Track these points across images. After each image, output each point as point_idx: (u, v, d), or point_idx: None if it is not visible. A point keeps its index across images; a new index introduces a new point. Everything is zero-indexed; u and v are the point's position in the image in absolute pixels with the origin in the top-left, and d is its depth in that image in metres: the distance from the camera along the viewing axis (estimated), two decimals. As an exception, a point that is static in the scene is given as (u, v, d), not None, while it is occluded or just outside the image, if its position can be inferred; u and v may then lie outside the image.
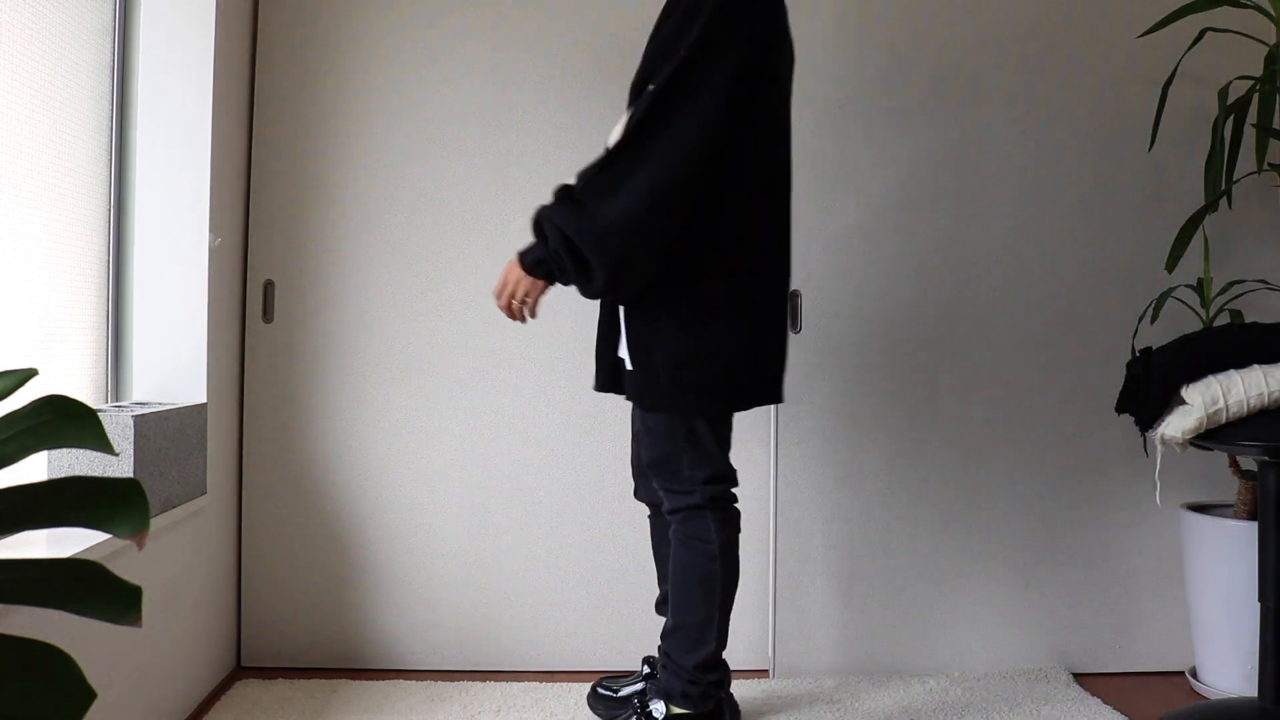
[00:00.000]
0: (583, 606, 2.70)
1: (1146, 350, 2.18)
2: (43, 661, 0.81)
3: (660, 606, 2.30)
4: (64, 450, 1.90)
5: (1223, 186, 2.53)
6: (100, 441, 0.92)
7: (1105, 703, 2.48)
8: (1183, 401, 2.10)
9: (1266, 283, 2.70)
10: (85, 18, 2.19)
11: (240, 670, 2.66)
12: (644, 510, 2.41)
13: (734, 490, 2.11)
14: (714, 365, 1.94)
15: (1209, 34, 2.65)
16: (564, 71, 2.72)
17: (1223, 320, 2.66)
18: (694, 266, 1.91)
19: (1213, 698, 2.52)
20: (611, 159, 1.85)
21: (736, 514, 2.09)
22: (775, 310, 2.02)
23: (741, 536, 2.73)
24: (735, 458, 2.74)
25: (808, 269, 2.70)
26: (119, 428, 1.95)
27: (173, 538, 2.21)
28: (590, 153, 2.06)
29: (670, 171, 1.80)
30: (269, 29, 2.70)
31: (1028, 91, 2.74)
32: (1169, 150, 2.75)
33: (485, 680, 2.59)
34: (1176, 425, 2.09)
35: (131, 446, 1.94)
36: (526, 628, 2.68)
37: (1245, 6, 2.55)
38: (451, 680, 2.59)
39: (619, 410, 2.62)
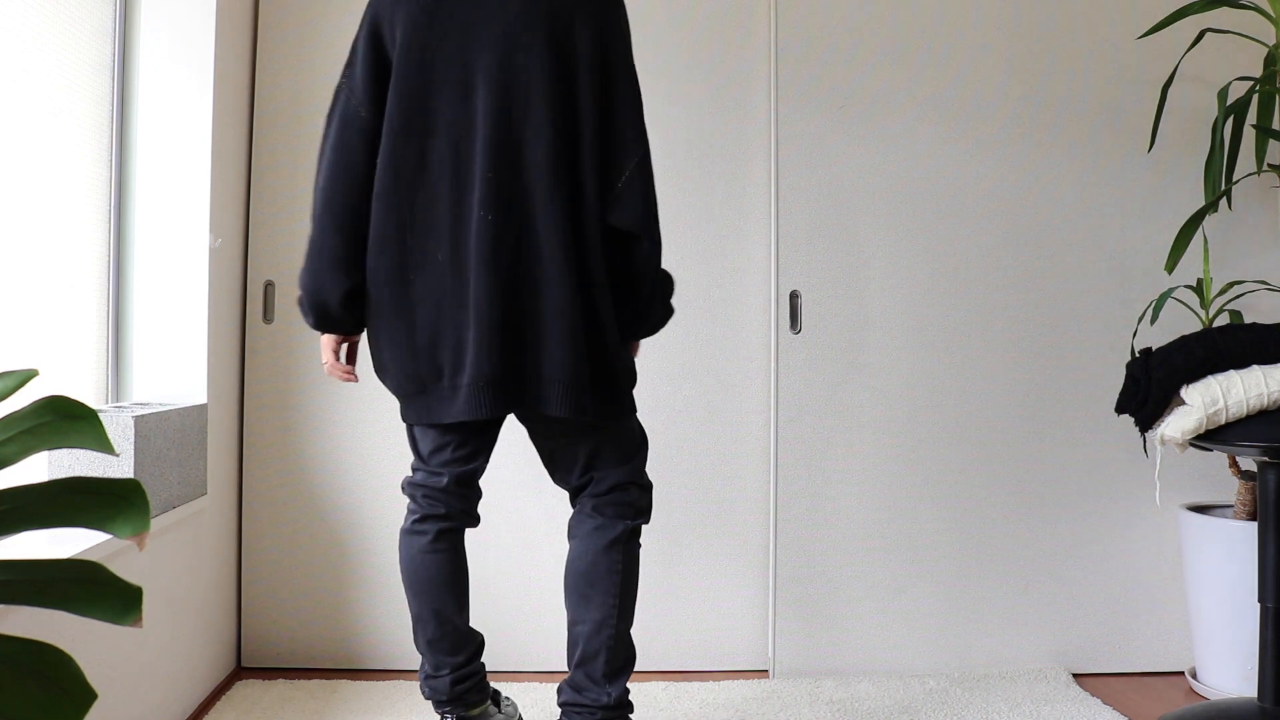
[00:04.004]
0: (583, 606, 2.70)
1: (1146, 351, 2.18)
2: (43, 661, 0.81)
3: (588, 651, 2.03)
4: (64, 450, 1.90)
5: (1222, 187, 2.53)
6: (100, 442, 0.92)
7: (1105, 703, 2.48)
8: (1182, 402, 2.10)
9: (1266, 283, 2.70)
10: (85, 18, 2.19)
11: (240, 670, 2.66)
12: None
13: None
14: None
15: (1208, 35, 2.65)
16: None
17: (1222, 320, 2.67)
18: None
19: (1212, 698, 2.53)
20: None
21: None
22: None
23: (742, 537, 2.74)
24: (734, 458, 2.75)
25: (808, 269, 2.71)
26: (119, 428, 1.95)
27: (173, 538, 2.21)
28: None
29: None
30: (269, 29, 2.70)
31: (1028, 92, 2.75)
32: (1169, 150, 2.75)
33: (485, 680, 2.59)
34: (1176, 426, 2.09)
35: (132, 447, 1.94)
36: (526, 628, 2.68)
37: (1245, 7, 2.55)
38: (451, 680, 2.59)
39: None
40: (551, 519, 2.68)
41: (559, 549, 2.68)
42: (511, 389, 1.87)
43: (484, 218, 1.85)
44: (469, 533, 2.49)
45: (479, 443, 2.01)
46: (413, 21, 1.88)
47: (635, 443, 2.04)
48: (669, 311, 2.05)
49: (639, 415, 2.09)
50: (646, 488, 2.05)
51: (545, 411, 1.87)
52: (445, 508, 2.01)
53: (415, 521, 2.02)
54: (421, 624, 2.01)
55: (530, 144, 1.86)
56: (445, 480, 1.99)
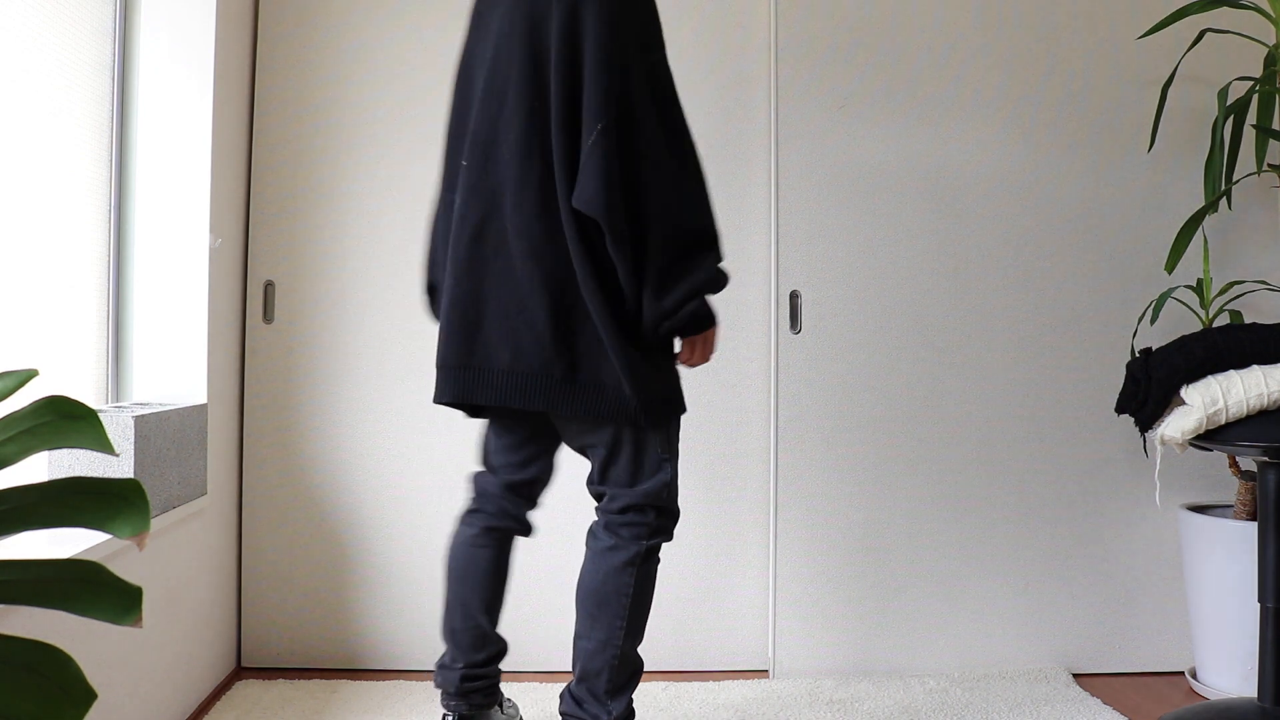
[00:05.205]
0: (583, 606, 2.70)
1: (1146, 351, 2.18)
2: (43, 661, 0.81)
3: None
4: (64, 450, 1.90)
5: (1222, 187, 2.53)
6: (100, 442, 0.92)
7: (1105, 703, 2.48)
8: (1182, 402, 2.10)
9: (1266, 283, 2.70)
10: (85, 18, 2.19)
11: (240, 670, 2.66)
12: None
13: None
14: None
15: (1208, 35, 2.65)
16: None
17: (1223, 320, 2.67)
18: None
19: (1212, 698, 2.53)
20: None
21: None
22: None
23: (742, 537, 2.74)
24: (734, 457, 2.75)
25: (808, 269, 2.71)
26: (119, 428, 1.95)
27: (173, 538, 2.21)
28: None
29: None
30: (269, 29, 2.70)
31: (1027, 91, 2.75)
32: (1169, 150, 2.75)
33: (485, 680, 2.59)
34: (1176, 426, 2.09)
35: (132, 447, 1.94)
36: (526, 628, 2.68)
37: (1244, 7, 2.55)
38: (451, 680, 2.59)
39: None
40: (552, 519, 2.68)
41: (559, 549, 2.68)
42: (472, 376, 1.88)
43: (459, 208, 1.91)
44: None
45: (533, 449, 2.02)
46: (466, 31, 2.03)
47: (651, 463, 1.91)
48: (677, 315, 1.80)
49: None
50: (667, 513, 1.94)
51: (510, 404, 1.86)
52: (494, 507, 2.04)
53: (467, 512, 2.07)
54: (448, 612, 2.04)
55: (503, 133, 1.87)
56: (497, 484, 2.04)
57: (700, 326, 1.86)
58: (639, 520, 1.92)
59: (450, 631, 2.03)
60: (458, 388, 1.90)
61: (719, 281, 1.83)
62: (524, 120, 1.84)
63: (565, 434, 1.98)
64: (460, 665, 2.02)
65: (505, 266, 1.85)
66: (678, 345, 1.94)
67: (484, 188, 1.88)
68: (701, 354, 1.92)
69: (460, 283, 1.89)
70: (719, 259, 1.83)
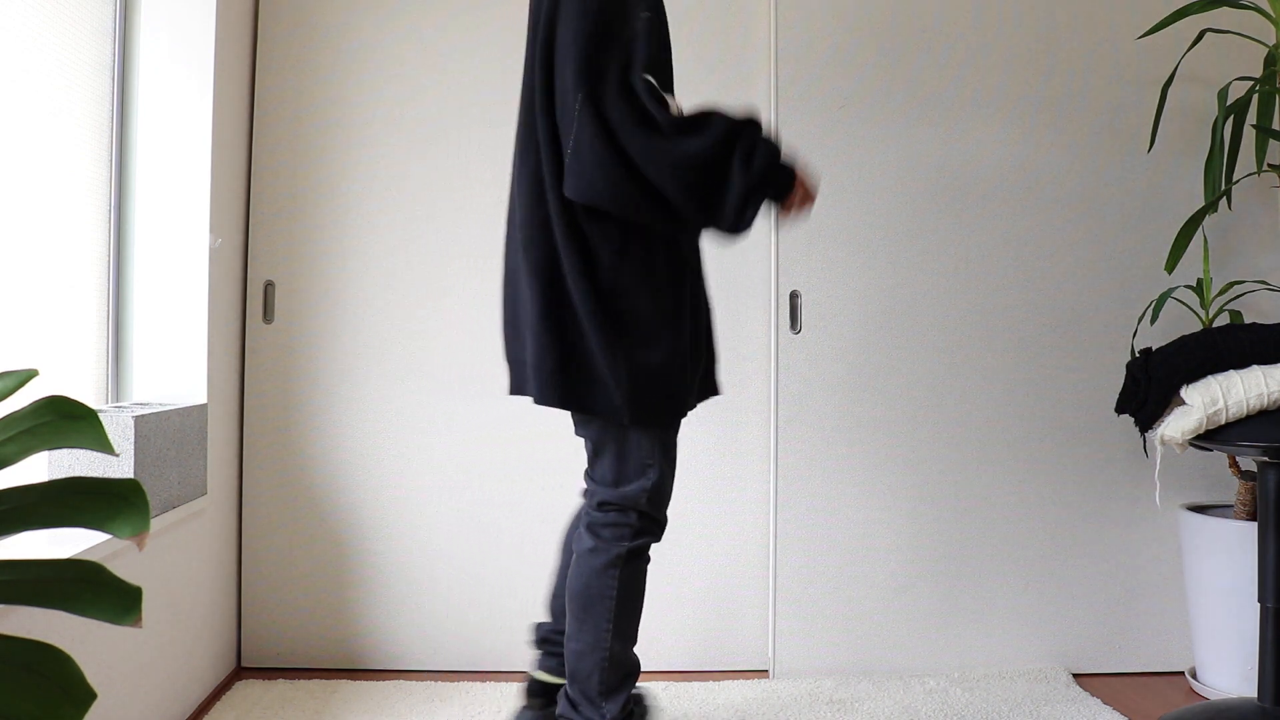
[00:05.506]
0: (583, 606, 2.70)
1: (1146, 351, 2.18)
2: (43, 661, 0.81)
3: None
4: (64, 450, 1.90)
5: (1222, 187, 2.53)
6: (100, 442, 0.92)
7: (1105, 703, 2.48)
8: (1182, 402, 2.11)
9: (1266, 283, 2.70)
10: (85, 18, 2.19)
11: (240, 670, 2.66)
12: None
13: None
14: None
15: (1208, 35, 2.65)
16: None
17: (1222, 320, 2.67)
18: None
19: (1212, 698, 2.53)
20: None
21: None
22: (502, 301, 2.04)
23: (742, 536, 2.74)
24: (734, 457, 2.75)
25: (808, 269, 2.71)
26: (119, 428, 1.95)
27: (173, 538, 2.21)
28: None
29: None
30: (269, 30, 2.70)
31: (1027, 92, 2.75)
32: (1169, 150, 2.75)
33: (485, 680, 2.59)
34: (1176, 426, 2.09)
35: (132, 447, 1.94)
36: (526, 628, 2.68)
37: (1244, 7, 2.55)
38: (451, 680, 2.59)
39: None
40: (556, 517, 2.68)
41: (557, 550, 2.68)
42: (514, 369, 2.00)
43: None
44: (464, 530, 2.47)
45: None
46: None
47: (635, 466, 1.90)
48: (743, 221, 1.76)
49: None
50: (650, 519, 1.93)
51: (529, 396, 1.92)
52: None
53: (585, 490, 2.12)
54: (554, 577, 2.13)
55: (518, 127, 1.94)
56: None
57: (781, 197, 1.80)
58: (620, 521, 1.91)
59: (549, 595, 2.15)
60: (511, 381, 2.01)
61: (759, 167, 1.74)
62: (525, 112, 1.89)
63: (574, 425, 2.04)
64: (546, 625, 2.13)
65: (521, 265, 1.91)
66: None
67: (511, 181, 1.98)
68: (800, 204, 1.84)
69: (505, 278, 2.01)
70: (749, 147, 1.74)
